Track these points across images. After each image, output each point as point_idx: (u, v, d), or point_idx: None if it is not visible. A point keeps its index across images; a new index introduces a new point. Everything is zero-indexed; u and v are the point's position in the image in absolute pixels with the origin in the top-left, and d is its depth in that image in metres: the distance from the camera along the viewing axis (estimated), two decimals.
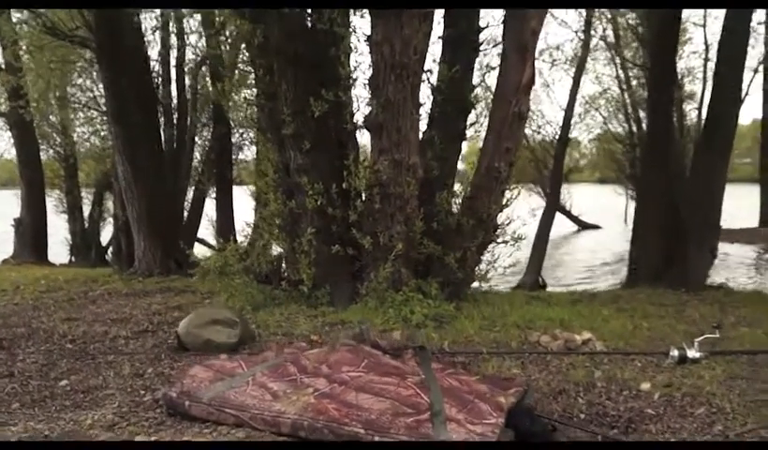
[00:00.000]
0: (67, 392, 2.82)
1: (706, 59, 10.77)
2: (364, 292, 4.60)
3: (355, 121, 4.95)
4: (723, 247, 11.90)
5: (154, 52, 8.75)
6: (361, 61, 4.97)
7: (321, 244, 4.73)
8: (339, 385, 2.38)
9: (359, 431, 2.09)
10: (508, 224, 4.91)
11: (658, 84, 7.32)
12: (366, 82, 4.76)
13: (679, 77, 9.68)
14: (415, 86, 4.76)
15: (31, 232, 11.00)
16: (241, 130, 10.09)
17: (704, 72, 10.85)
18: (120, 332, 4.04)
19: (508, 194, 4.91)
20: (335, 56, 4.77)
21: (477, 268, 4.95)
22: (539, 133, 13.32)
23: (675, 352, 3.23)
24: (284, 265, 5.10)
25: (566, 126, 12.30)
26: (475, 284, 5.10)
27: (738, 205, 12.99)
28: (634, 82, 11.64)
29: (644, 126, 10.19)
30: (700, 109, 10.69)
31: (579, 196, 19.84)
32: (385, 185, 4.63)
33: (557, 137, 12.72)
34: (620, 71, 12.08)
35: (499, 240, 4.93)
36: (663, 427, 2.32)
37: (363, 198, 4.75)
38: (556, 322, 4.12)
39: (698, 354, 3.23)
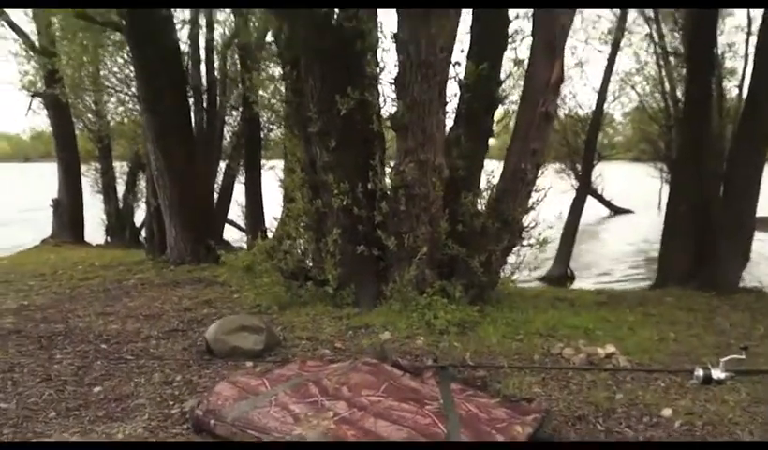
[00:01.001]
0: (101, 400, 2.94)
1: (749, 33, 10.23)
2: (389, 293, 4.64)
3: (381, 119, 4.94)
4: (759, 237, 11.56)
5: (182, 32, 8.78)
6: (387, 59, 4.95)
7: (347, 243, 4.77)
8: (359, 410, 2.43)
9: None
10: (533, 227, 4.87)
11: (695, 69, 7.04)
12: (392, 80, 4.73)
13: (719, 53, 9.25)
14: (442, 85, 4.71)
15: (68, 213, 11.36)
16: (269, 113, 10.10)
17: (746, 47, 10.31)
18: (151, 331, 4.18)
19: (534, 196, 4.85)
20: (361, 53, 4.75)
21: (501, 270, 4.94)
22: (571, 117, 13.00)
23: (700, 372, 3.15)
24: (309, 263, 5.16)
25: (599, 108, 12.00)
26: (502, 287, 5.08)
27: None
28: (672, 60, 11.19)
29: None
30: (741, 86, 10.22)
31: (611, 176, 19.37)
32: (410, 186, 4.62)
33: (589, 121, 12.41)
34: (658, 47, 11.61)
35: (524, 243, 4.90)
36: None
37: (389, 198, 4.75)
38: (580, 331, 4.10)
39: (723, 375, 3.17)
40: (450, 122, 5.16)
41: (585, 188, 12.12)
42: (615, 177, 20.00)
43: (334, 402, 2.51)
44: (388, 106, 5.02)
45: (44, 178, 13.83)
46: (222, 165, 10.27)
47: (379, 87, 4.98)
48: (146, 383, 3.15)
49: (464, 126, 5.15)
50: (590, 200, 15.19)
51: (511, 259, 5.05)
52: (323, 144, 4.90)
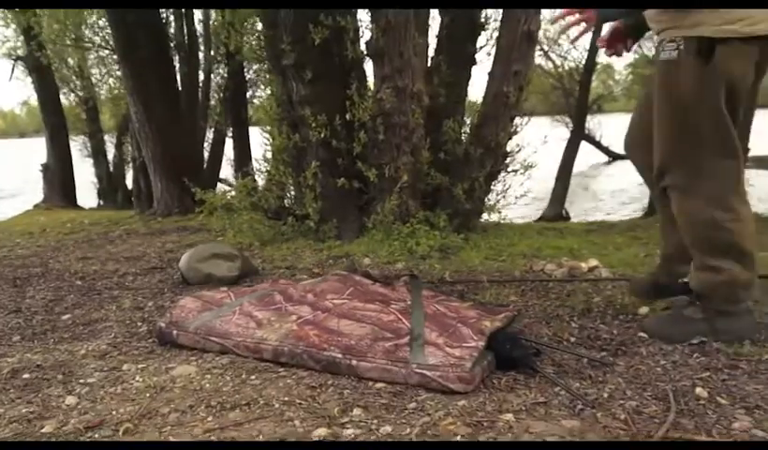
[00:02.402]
0: (68, 325, 2.89)
1: None
2: (371, 225, 4.56)
3: (357, 46, 4.77)
4: (760, 173, 11.40)
5: None
6: None
7: (327, 177, 4.67)
8: (322, 312, 2.37)
9: (336, 356, 2.09)
10: (518, 152, 4.74)
11: None
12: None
13: None
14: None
15: (58, 177, 11.26)
16: (254, 66, 9.92)
17: None
18: (130, 269, 4.12)
19: (518, 120, 4.72)
20: None
21: (486, 199, 4.84)
22: (565, 58, 12.75)
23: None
24: (291, 201, 5.07)
25: (593, 49, 11.73)
26: (487, 216, 4.99)
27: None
28: None
29: None
30: None
31: (614, 126, 19.10)
32: (389, 114, 4.49)
33: (584, 62, 12.17)
34: None
35: (509, 169, 4.79)
36: (654, 350, 2.25)
37: (367, 128, 4.63)
38: (565, 251, 4.02)
39: None
40: (431, 52, 5.03)
41: (580, 130, 11.93)
42: (618, 127, 19.66)
43: (298, 307, 2.44)
44: (366, 34, 4.87)
45: (41, 152, 13.73)
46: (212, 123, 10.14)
47: (356, 14, 4.81)
48: (116, 310, 3.10)
49: (445, 52, 4.99)
50: (589, 147, 14.99)
51: (498, 188, 4.95)
52: (299, 77, 4.74)
